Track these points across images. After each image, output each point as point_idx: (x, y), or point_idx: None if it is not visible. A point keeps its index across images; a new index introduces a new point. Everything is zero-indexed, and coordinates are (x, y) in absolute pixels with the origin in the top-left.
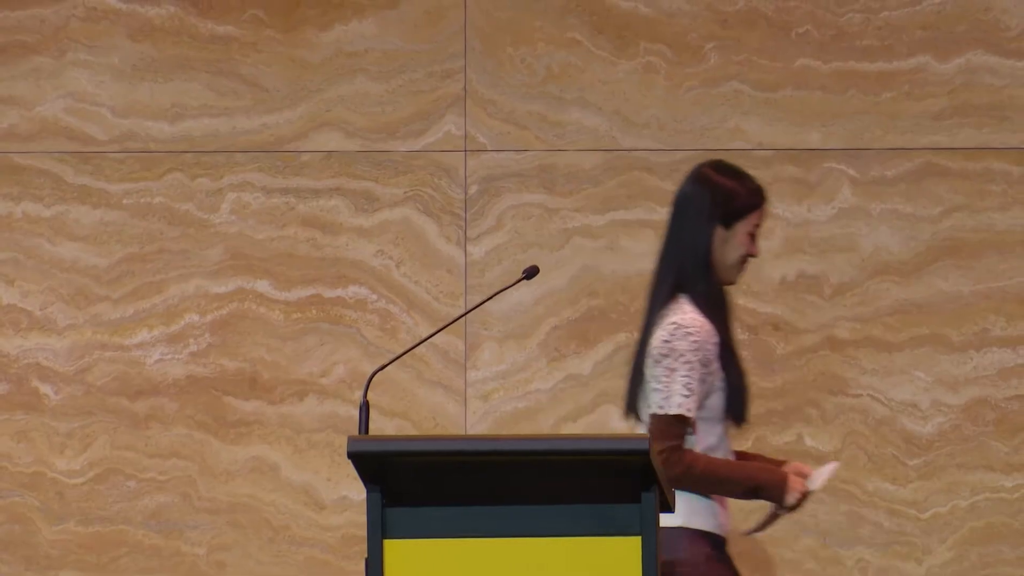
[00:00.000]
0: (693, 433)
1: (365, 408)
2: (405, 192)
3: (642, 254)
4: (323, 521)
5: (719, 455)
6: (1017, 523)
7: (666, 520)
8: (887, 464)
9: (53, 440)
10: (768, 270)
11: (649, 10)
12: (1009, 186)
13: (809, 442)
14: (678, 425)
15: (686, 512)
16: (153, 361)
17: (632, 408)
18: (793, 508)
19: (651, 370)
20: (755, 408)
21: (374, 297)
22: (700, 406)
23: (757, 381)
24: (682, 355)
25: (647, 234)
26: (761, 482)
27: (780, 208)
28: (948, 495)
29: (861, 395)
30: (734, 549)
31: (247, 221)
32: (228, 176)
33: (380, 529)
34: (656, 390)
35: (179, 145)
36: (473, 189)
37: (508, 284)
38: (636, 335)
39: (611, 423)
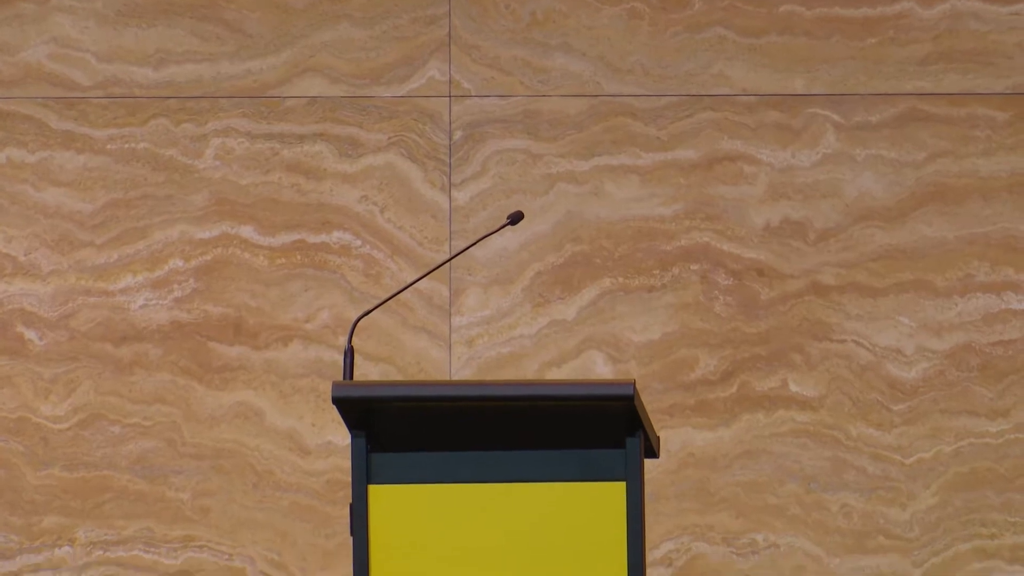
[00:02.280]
0: None
1: (350, 353)
2: (389, 138)
3: (626, 200)
4: (307, 467)
5: None
6: (1001, 468)
7: None
8: (871, 409)
9: (37, 385)
10: (752, 215)
11: None
12: (993, 132)
13: (794, 388)
14: None
15: None
16: (137, 307)
17: None
18: None
19: None
20: (740, 353)
21: (358, 243)
22: None
23: (741, 327)
24: None
25: (631, 179)
26: None
27: (764, 154)
28: (932, 440)
29: (846, 340)
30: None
31: (231, 167)
32: (212, 122)
33: (365, 474)
34: None
35: (163, 91)
36: (457, 135)
37: (492, 230)
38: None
39: (595, 368)
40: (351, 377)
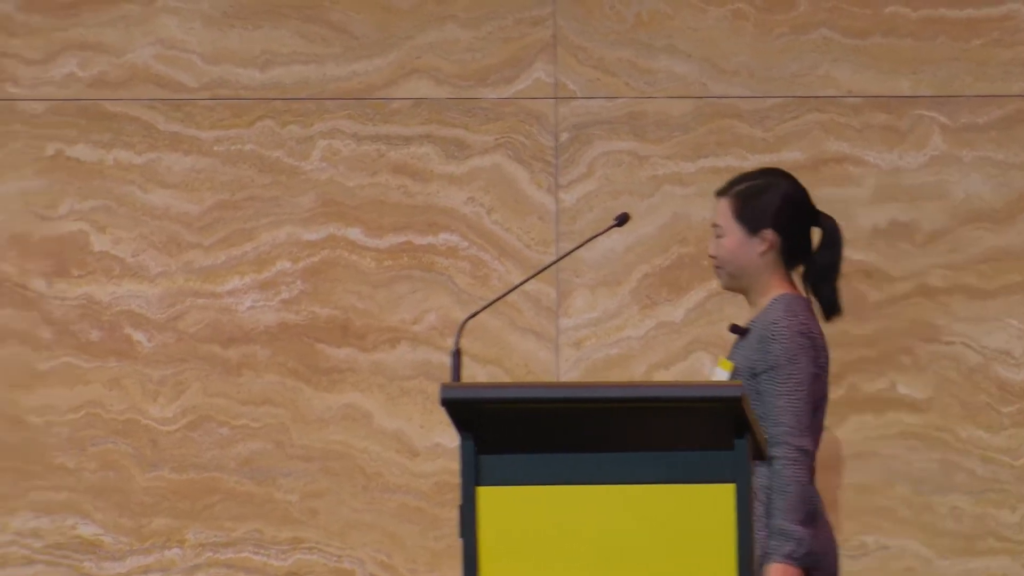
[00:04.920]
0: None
1: (457, 355)
2: (496, 139)
3: None
4: (416, 468)
5: None
6: None
7: None
8: (980, 412)
9: (146, 387)
10: (859, 217)
11: None
12: None
13: (902, 390)
14: None
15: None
16: (245, 308)
17: None
18: None
19: None
20: (847, 355)
21: (465, 244)
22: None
23: (850, 329)
24: None
25: None
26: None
27: (871, 155)
28: None
29: (954, 342)
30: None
31: (338, 168)
32: (318, 123)
33: (473, 476)
34: None
35: (269, 92)
36: (563, 136)
37: (599, 231)
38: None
39: (703, 370)
40: (459, 379)
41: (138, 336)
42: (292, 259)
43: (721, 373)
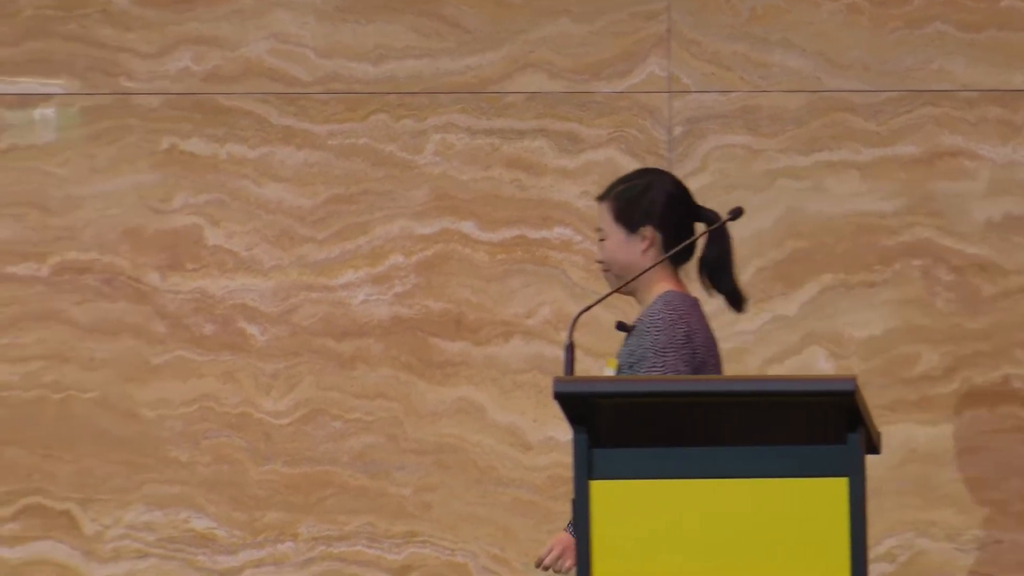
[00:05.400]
0: None
1: (570, 349)
2: (609, 133)
3: (847, 195)
4: (529, 462)
5: None
6: None
7: None
8: None
9: (259, 381)
10: (974, 211)
11: None
12: None
13: (1016, 384)
14: None
15: None
16: (359, 302)
17: None
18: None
19: None
20: (961, 350)
21: (579, 238)
22: None
23: (963, 322)
24: None
25: (851, 175)
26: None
27: (985, 149)
28: None
29: None
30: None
31: (451, 162)
32: (432, 117)
33: (586, 470)
34: None
35: (383, 86)
36: (677, 130)
37: (713, 225)
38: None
39: (817, 364)
40: (572, 372)
41: (252, 330)
42: (405, 253)
43: (609, 372)
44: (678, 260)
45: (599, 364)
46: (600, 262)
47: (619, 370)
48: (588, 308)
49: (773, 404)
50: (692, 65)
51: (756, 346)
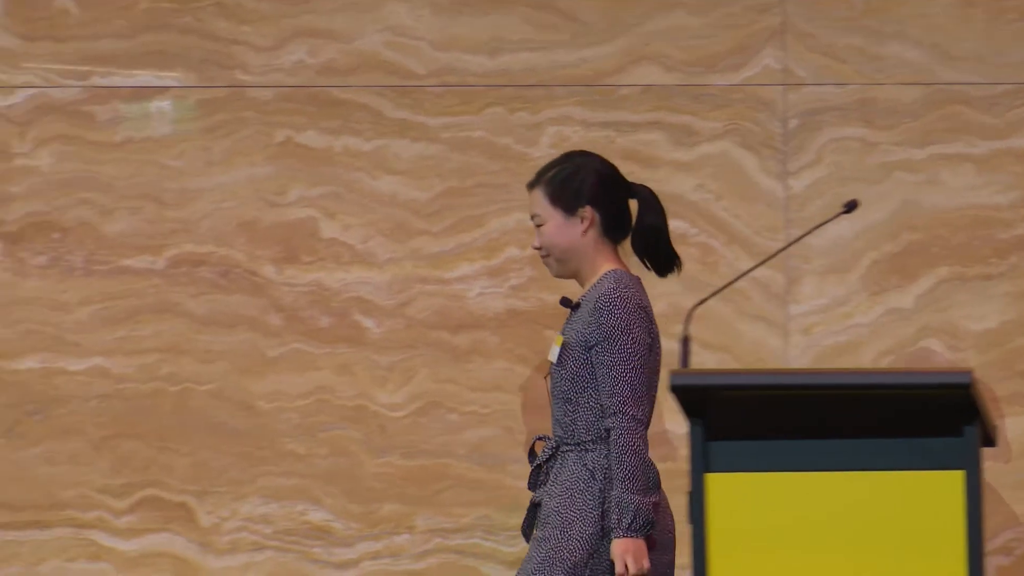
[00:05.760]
0: None
1: (686, 342)
2: (724, 126)
3: (962, 188)
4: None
5: None
6: None
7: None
8: None
9: (375, 373)
10: None
11: None
12: None
13: None
14: None
15: None
16: (474, 295)
17: None
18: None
19: None
20: None
21: (694, 231)
22: None
23: None
24: None
25: (967, 168)
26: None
27: None
28: None
29: None
30: None
31: None
32: (547, 110)
33: (702, 462)
34: None
35: (498, 79)
36: (792, 123)
37: (828, 218)
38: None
39: (933, 357)
40: (687, 365)
41: (367, 322)
42: (520, 246)
43: (554, 348)
44: (617, 238)
45: (716, 357)
46: (538, 248)
47: (565, 348)
48: (703, 301)
49: (889, 397)
50: (807, 58)
51: (871, 339)
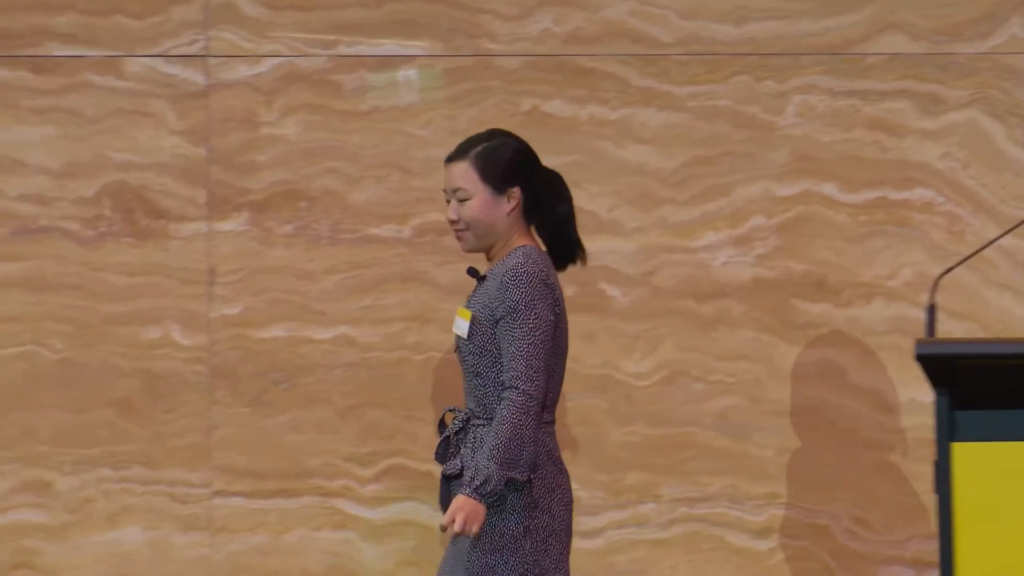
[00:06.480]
0: None
1: (932, 311)
2: (971, 95)
3: None
4: (891, 424)
5: None
6: None
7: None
8: None
9: (621, 342)
10: None
11: None
12: None
13: None
14: None
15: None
16: (720, 264)
17: None
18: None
19: None
20: None
21: (941, 200)
22: None
23: None
24: None
25: None
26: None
27: None
28: None
29: None
30: None
31: (813, 124)
32: (794, 79)
33: (947, 432)
34: None
35: (744, 48)
36: None
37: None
38: None
39: None
40: (933, 334)
41: (613, 291)
42: (767, 214)
43: (459, 322)
44: (531, 220)
45: (963, 326)
46: (454, 222)
47: (473, 321)
48: (950, 269)
49: None
50: None
51: None
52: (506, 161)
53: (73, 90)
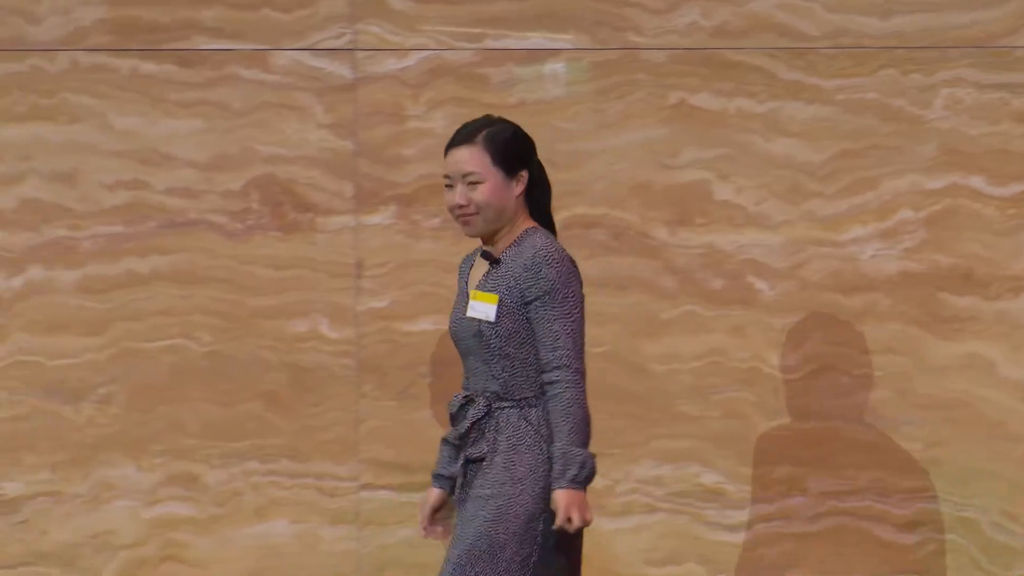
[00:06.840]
0: None
1: None
2: None
3: None
4: None
5: None
6: None
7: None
8: None
9: (769, 336)
10: None
11: None
12: None
13: None
14: None
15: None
16: (867, 257)
17: None
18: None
19: None
20: None
21: None
22: None
23: None
24: None
25: None
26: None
27: None
28: None
29: None
30: None
31: (960, 117)
32: (941, 72)
33: None
34: None
35: (890, 41)
36: None
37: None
38: None
39: None
40: None
41: (760, 285)
42: (914, 208)
43: (479, 306)
44: (529, 202)
45: None
46: (463, 206)
47: (501, 303)
48: None
49: None
50: None
51: None
52: (513, 145)
53: (220, 83)
